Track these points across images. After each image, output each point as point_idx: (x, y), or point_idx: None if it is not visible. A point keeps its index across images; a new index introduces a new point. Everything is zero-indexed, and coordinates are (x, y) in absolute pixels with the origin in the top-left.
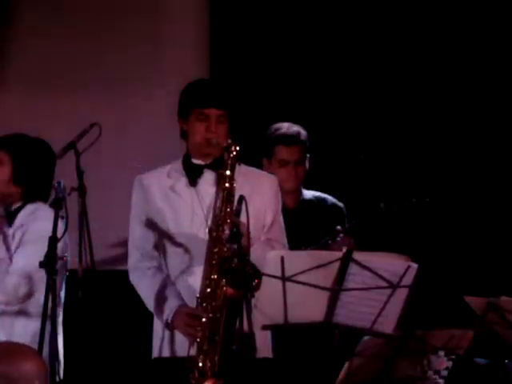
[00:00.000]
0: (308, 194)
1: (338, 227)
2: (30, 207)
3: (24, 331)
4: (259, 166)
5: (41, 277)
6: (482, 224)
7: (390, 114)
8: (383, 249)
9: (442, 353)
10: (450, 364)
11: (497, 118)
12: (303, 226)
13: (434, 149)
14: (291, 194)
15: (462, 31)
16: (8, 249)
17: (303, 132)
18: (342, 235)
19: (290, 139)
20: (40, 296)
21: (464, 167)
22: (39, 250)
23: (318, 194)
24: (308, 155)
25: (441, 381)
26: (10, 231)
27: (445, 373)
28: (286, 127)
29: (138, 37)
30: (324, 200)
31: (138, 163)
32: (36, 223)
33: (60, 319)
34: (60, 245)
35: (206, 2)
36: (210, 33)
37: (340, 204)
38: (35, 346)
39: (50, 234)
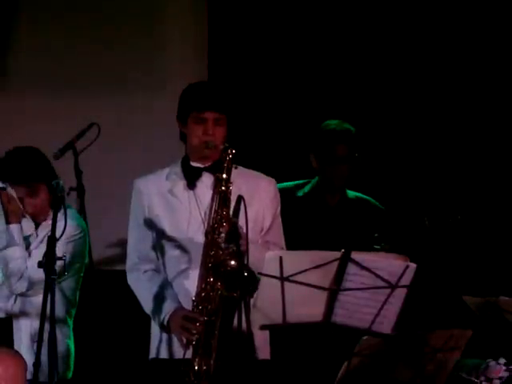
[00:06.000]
0: (351, 193)
1: (376, 235)
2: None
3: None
4: (306, 161)
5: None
6: (480, 224)
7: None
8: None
9: (503, 360)
10: (506, 374)
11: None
12: (343, 225)
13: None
14: (334, 192)
15: (464, 35)
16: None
17: (353, 131)
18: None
19: (339, 137)
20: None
21: (463, 168)
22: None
23: (360, 194)
24: (356, 154)
25: None
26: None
27: (497, 382)
28: (336, 125)
29: (137, 38)
30: (366, 201)
31: (136, 163)
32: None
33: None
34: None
35: (204, 4)
36: (208, 34)
37: (381, 207)
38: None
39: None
